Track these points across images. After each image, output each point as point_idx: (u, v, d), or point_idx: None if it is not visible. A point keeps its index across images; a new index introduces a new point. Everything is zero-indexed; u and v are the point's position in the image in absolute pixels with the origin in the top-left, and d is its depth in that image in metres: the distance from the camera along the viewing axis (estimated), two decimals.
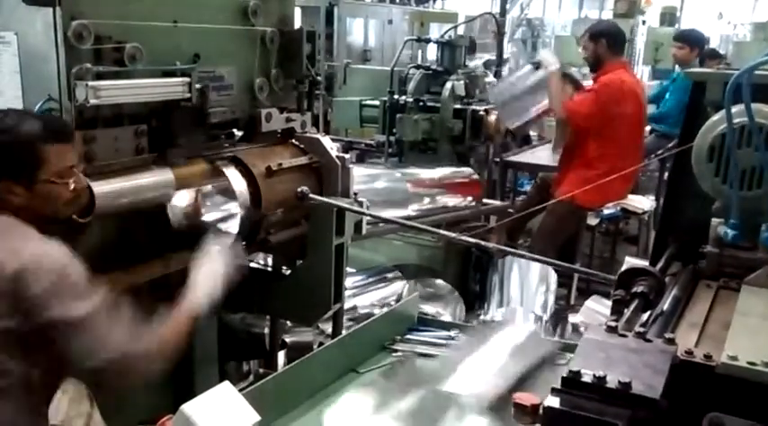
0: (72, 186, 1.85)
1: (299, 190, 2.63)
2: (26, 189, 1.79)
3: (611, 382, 1.13)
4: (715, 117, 1.66)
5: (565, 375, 1.16)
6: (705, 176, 1.69)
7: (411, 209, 4.19)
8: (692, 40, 6.42)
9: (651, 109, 7.39)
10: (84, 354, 1.72)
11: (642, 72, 9.02)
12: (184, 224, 2.54)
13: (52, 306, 1.67)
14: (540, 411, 1.18)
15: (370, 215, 2.90)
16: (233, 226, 2.58)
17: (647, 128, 6.82)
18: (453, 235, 2.68)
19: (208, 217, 2.68)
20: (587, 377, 1.14)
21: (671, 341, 1.26)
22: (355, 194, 2.88)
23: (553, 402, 1.15)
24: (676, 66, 6.67)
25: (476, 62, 5.48)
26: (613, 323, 1.33)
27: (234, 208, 2.58)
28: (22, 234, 1.76)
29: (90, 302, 1.72)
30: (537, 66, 4.58)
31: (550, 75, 4.52)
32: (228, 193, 2.57)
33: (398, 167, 4.61)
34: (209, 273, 2.02)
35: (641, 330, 1.30)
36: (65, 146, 1.86)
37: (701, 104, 1.79)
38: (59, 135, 1.86)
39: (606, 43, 4.59)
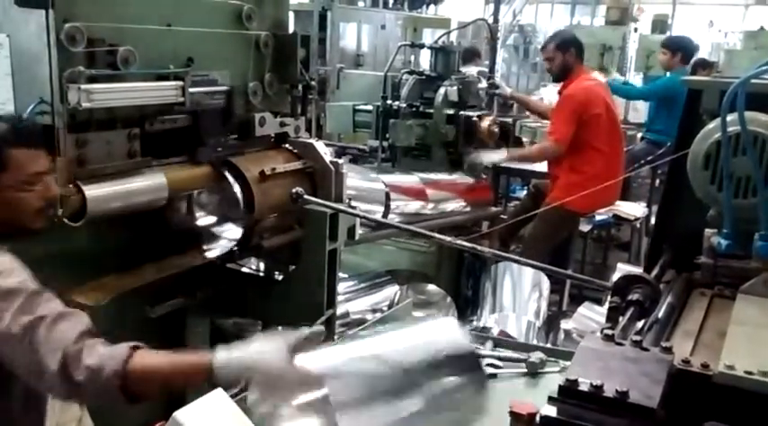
0: (40, 194, 1.69)
1: (293, 190, 2.63)
2: None
3: (609, 391, 1.13)
4: (711, 125, 1.67)
5: (562, 383, 1.16)
6: (700, 184, 1.70)
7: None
8: (672, 46, 6.66)
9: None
10: (31, 372, 1.48)
11: (633, 79, 9.07)
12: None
13: None
14: (537, 420, 1.18)
15: (365, 217, 2.89)
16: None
17: (639, 135, 6.89)
18: (449, 239, 2.67)
19: (202, 221, 2.66)
20: (584, 386, 1.14)
21: (668, 350, 1.25)
22: (349, 199, 2.87)
23: (550, 411, 1.15)
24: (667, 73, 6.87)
25: (469, 68, 5.46)
26: (610, 332, 1.32)
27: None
28: None
29: (33, 316, 1.47)
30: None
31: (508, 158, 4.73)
32: (222, 198, 2.55)
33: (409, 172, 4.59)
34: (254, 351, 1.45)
35: (637, 338, 1.29)
36: (33, 151, 1.70)
37: (697, 112, 1.80)
38: (27, 138, 1.70)
39: (575, 52, 4.65)
